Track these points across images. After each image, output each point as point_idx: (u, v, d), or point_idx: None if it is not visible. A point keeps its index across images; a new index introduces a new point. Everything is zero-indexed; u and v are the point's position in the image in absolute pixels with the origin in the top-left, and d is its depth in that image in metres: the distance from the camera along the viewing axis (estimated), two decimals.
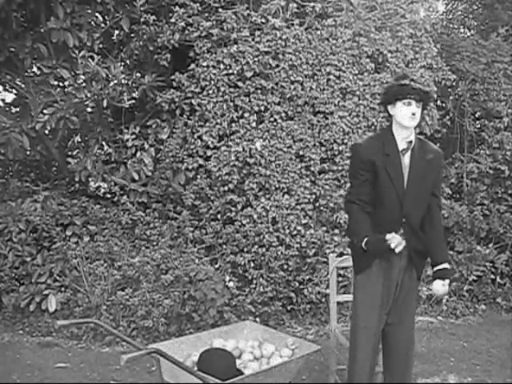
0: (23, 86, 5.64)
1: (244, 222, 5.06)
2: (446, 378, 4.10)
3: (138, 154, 5.36)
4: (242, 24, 5.26)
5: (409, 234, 3.03)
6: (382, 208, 3.03)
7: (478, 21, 8.26)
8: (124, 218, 5.26)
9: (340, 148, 5.22)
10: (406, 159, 3.02)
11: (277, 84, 5.18)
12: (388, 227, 2.99)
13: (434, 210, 3.11)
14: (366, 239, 2.92)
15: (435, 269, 3.07)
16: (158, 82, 5.47)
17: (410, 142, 3.02)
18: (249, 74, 5.13)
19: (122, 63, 6.02)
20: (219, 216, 5.21)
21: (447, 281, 3.06)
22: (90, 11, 5.28)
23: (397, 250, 2.87)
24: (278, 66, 5.16)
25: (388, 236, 2.88)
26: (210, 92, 5.15)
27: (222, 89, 5.12)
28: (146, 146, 5.37)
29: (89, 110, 5.83)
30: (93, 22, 5.43)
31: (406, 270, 3.07)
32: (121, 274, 4.89)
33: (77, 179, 5.43)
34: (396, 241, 2.87)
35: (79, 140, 6.29)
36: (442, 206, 3.22)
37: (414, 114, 2.95)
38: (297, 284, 5.10)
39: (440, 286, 3.07)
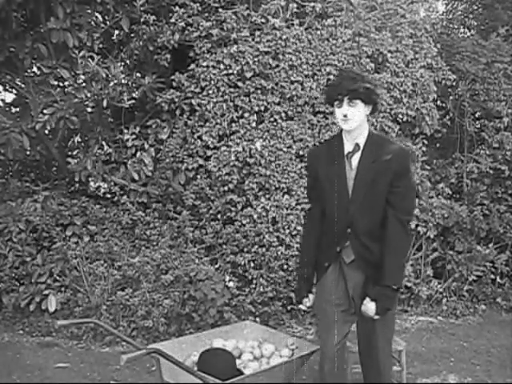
0: (23, 86, 5.64)
1: (244, 221, 5.06)
2: (445, 378, 4.10)
3: (138, 153, 5.35)
4: (242, 24, 5.26)
5: (357, 247, 2.75)
6: (328, 217, 2.81)
7: (478, 21, 8.27)
8: (124, 218, 5.26)
9: None
10: (353, 163, 2.76)
11: (277, 84, 5.18)
12: (333, 238, 2.79)
13: (389, 225, 2.68)
14: (297, 275, 2.95)
15: (372, 287, 2.72)
16: (158, 82, 5.46)
17: (357, 144, 2.75)
18: (249, 74, 5.13)
19: (122, 63, 6.02)
20: (219, 216, 5.21)
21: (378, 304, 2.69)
22: (89, 11, 5.28)
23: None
24: (277, 66, 5.16)
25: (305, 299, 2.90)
26: (210, 92, 5.15)
27: (222, 89, 5.12)
28: (146, 146, 5.37)
29: (89, 110, 5.83)
30: (93, 22, 5.42)
31: (364, 285, 2.76)
32: (121, 274, 4.89)
33: (77, 179, 5.43)
34: (305, 305, 2.93)
35: (79, 140, 6.29)
36: (403, 220, 2.70)
37: (345, 116, 2.68)
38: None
39: (367, 305, 2.71)
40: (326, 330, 2.88)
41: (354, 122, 2.69)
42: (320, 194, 2.83)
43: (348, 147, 2.76)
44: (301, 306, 3.01)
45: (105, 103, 5.12)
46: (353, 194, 2.72)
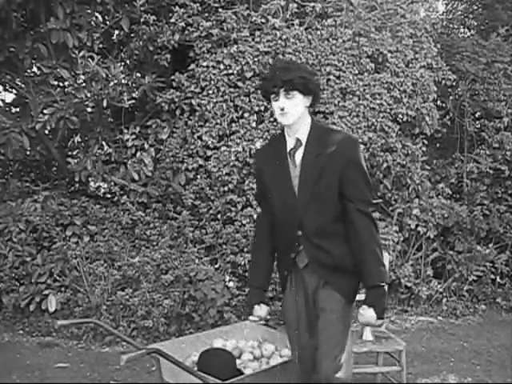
0: (23, 86, 5.64)
1: (244, 221, 5.06)
2: (445, 378, 4.10)
3: (138, 153, 5.35)
4: (242, 24, 5.26)
5: (312, 250, 2.50)
6: (277, 222, 2.59)
7: (478, 21, 8.26)
8: (124, 218, 5.26)
9: None
10: (296, 159, 2.51)
11: None
12: (285, 243, 2.57)
13: (354, 219, 2.44)
14: (248, 285, 2.78)
15: (365, 292, 2.51)
16: (158, 82, 5.46)
17: (298, 139, 2.51)
18: (249, 74, 5.13)
19: (122, 63, 6.02)
20: (219, 216, 5.21)
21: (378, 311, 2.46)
22: (89, 11, 5.28)
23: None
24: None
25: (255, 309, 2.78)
26: (210, 92, 5.15)
27: (222, 89, 5.12)
28: (146, 146, 5.37)
29: (89, 110, 5.83)
30: (93, 22, 5.42)
31: (324, 289, 2.53)
32: (121, 274, 4.89)
33: (77, 179, 5.43)
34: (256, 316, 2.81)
35: (79, 140, 6.29)
36: (367, 212, 2.46)
37: (282, 109, 2.43)
38: None
39: (366, 313, 2.48)
40: (291, 344, 2.81)
41: (292, 115, 2.45)
42: (267, 197, 2.61)
43: (290, 143, 2.52)
44: (250, 318, 2.86)
45: (105, 103, 5.12)
46: (299, 192, 2.48)
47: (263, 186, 2.63)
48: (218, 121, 5.18)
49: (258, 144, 5.06)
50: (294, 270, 2.61)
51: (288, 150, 2.52)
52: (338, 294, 2.52)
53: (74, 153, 5.83)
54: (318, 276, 2.53)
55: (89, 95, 5.07)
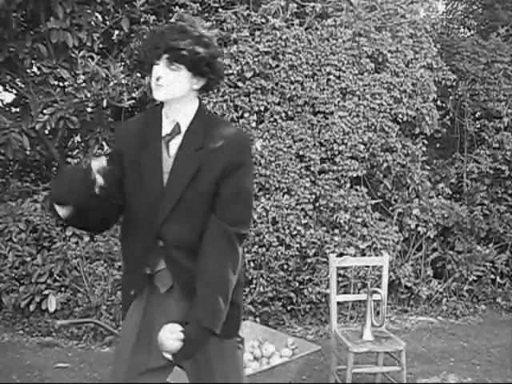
0: (23, 86, 5.64)
1: None
2: (445, 378, 4.10)
3: None
4: (242, 24, 5.25)
5: (174, 268, 1.93)
6: (131, 224, 1.99)
7: (478, 21, 8.26)
8: None
9: (340, 148, 5.22)
10: (171, 150, 1.95)
11: (277, 84, 5.18)
12: (141, 255, 1.96)
13: (207, 237, 1.87)
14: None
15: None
16: None
17: (177, 124, 1.96)
18: (249, 74, 5.12)
19: (122, 63, 6.01)
20: None
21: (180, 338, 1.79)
22: (89, 11, 5.27)
23: None
24: (277, 66, 5.16)
25: None
26: (210, 92, 5.15)
27: (222, 89, 5.12)
28: None
29: (89, 110, 5.82)
30: (93, 22, 5.42)
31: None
32: (121, 274, 4.88)
33: None
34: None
35: (79, 140, 6.29)
36: (230, 233, 1.87)
37: (158, 79, 1.90)
38: (297, 284, 5.10)
39: (169, 342, 1.79)
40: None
41: (169, 90, 1.91)
42: (121, 186, 1.97)
43: (167, 127, 1.98)
44: None
45: (105, 103, 5.11)
46: (166, 191, 1.91)
47: (117, 169, 1.97)
48: None
49: (258, 144, 5.06)
50: (144, 291, 2.00)
51: (163, 134, 1.97)
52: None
53: (74, 153, 5.83)
54: (183, 305, 1.93)
55: (89, 95, 5.06)
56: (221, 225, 1.87)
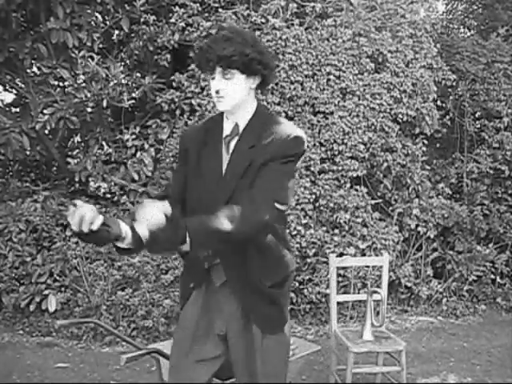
0: (23, 86, 5.64)
1: None
2: (445, 378, 4.10)
3: (138, 154, 5.35)
4: (242, 24, 5.25)
5: (227, 261, 2.03)
6: (191, 215, 2.00)
7: (478, 21, 8.26)
8: None
9: (340, 148, 5.22)
10: (231, 149, 2.05)
11: (277, 84, 5.18)
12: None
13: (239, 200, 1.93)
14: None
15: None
16: (158, 82, 5.46)
17: (236, 125, 2.06)
18: None
19: (122, 63, 6.02)
20: None
21: None
22: (89, 11, 5.28)
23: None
24: (277, 65, 5.16)
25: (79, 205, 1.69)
26: (210, 92, 5.14)
27: None
28: (146, 146, 5.37)
29: (89, 110, 5.83)
30: (93, 22, 5.42)
31: (237, 317, 2.05)
32: (121, 274, 4.89)
33: (77, 179, 5.43)
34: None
35: (79, 140, 6.29)
36: (260, 205, 1.90)
37: (217, 92, 2.00)
38: (297, 284, 5.09)
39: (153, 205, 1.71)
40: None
41: (231, 99, 1.99)
42: (184, 186, 2.11)
43: (227, 129, 2.07)
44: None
45: (105, 103, 5.12)
46: (222, 186, 2.00)
47: (183, 171, 2.12)
48: None
49: None
50: (202, 284, 2.12)
51: (224, 135, 2.07)
52: (255, 325, 2.03)
53: (74, 153, 5.83)
54: (236, 298, 2.05)
55: (89, 95, 5.07)
56: (248, 193, 1.91)
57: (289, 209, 5.01)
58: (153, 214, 1.66)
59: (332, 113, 5.25)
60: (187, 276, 2.19)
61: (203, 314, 2.11)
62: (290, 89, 5.18)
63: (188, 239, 1.74)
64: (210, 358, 2.12)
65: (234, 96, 2.00)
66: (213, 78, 2.01)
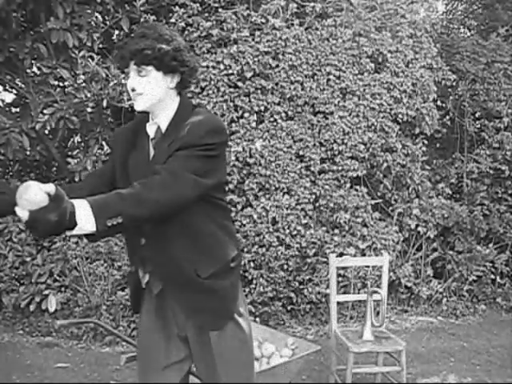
0: (23, 86, 5.64)
1: (244, 221, 5.06)
2: (445, 378, 4.10)
3: None
4: (242, 24, 5.25)
5: (157, 261, 1.96)
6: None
7: (478, 21, 8.26)
8: None
9: (340, 148, 5.22)
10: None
11: (277, 84, 5.18)
12: (129, 250, 2.10)
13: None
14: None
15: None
16: None
17: (159, 127, 1.98)
18: (249, 74, 5.12)
19: None
20: None
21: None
22: (89, 11, 5.27)
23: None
24: (277, 66, 5.16)
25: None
26: (210, 92, 5.14)
27: (222, 89, 5.12)
28: None
29: (89, 110, 5.82)
30: (93, 22, 5.42)
31: (189, 318, 2.00)
32: (121, 274, 4.89)
33: (77, 179, 5.42)
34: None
35: (79, 140, 6.28)
36: (168, 173, 1.80)
37: (133, 90, 1.92)
38: (297, 284, 5.10)
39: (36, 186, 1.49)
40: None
41: (147, 98, 1.91)
42: (110, 180, 2.06)
43: (151, 131, 2.00)
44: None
45: (105, 103, 5.11)
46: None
47: (111, 170, 2.08)
48: None
49: (258, 144, 5.06)
50: (146, 294, 2.09)
51: (150, 138, 2.00)
52: (205, 326, 2.00)
53: (74, 153, 5.83)
54: (174, 303, 2.02)
55: (89, 95, 5.06)
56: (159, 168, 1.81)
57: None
58: (36, 193, 1.50)
59: (332, 113, 5.25)
60: (131, 281, 2.14)
61: (158, 319, 2.06)
62: (289, 89, 5.18)
63: (93, 218, 1.56)
64: (174, 362, 2.07)
65: (150, 94, 1.91)
66: (128, 76, 1.93)
